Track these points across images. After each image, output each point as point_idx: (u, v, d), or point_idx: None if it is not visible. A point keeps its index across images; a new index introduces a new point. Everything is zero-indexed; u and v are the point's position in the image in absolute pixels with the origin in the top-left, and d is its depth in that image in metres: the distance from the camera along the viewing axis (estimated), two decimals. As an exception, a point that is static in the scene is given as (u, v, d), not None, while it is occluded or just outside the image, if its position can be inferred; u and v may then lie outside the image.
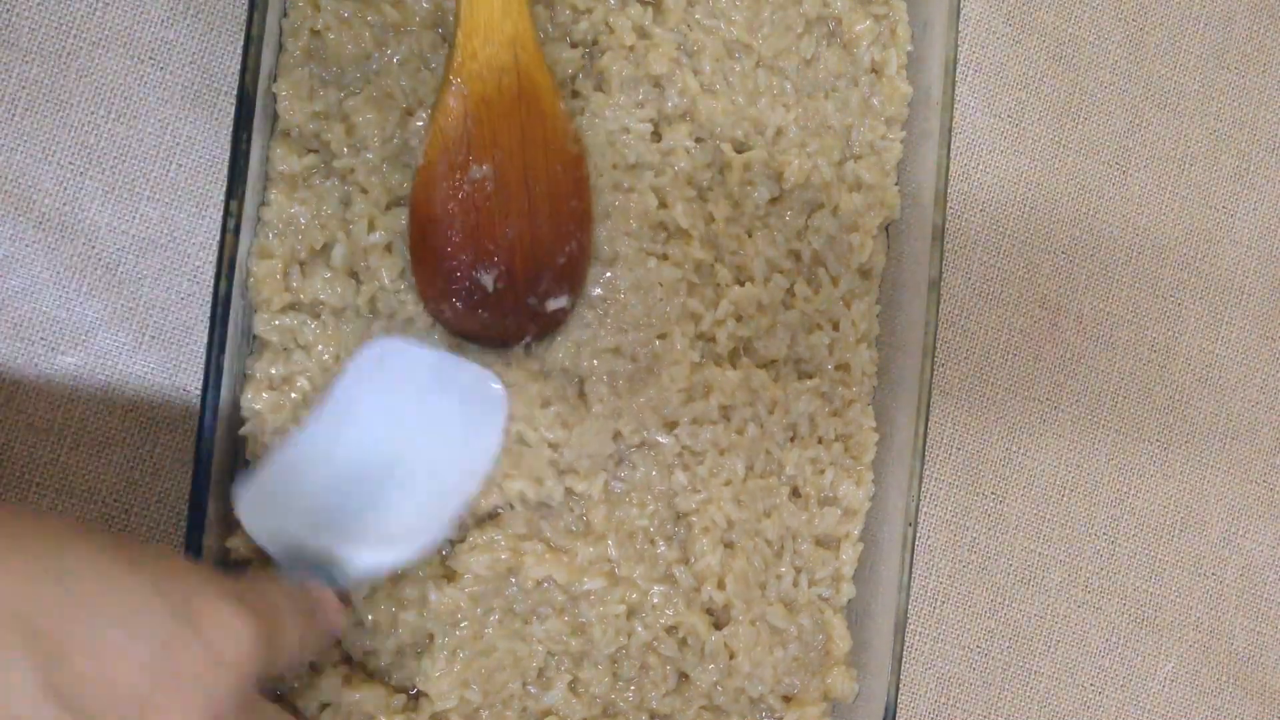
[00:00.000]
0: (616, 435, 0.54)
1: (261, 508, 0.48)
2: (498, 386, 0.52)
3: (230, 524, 0.51)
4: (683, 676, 0.55)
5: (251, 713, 0.42)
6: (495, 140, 0.52)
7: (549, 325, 0.54)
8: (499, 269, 0.52)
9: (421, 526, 0.51)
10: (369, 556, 0.49)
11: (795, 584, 0.56)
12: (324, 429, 0.50)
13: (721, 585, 0.55)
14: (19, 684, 0.35)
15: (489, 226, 0.52)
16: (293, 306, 0.52)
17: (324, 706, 0.51)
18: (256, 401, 0.52)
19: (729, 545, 0.55)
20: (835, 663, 0.56)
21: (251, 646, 0.40)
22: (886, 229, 0.59)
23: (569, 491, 0.54)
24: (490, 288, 0.52)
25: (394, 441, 0.51)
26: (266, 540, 0.48)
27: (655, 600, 0.54)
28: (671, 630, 0.55)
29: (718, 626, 0.55)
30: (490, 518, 0.53)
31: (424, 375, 0.52)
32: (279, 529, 0.48)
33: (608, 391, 0.54)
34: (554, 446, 0.53)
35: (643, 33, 0.56)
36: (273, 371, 0.52)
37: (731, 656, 0.55)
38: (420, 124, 0.53)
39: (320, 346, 0.52)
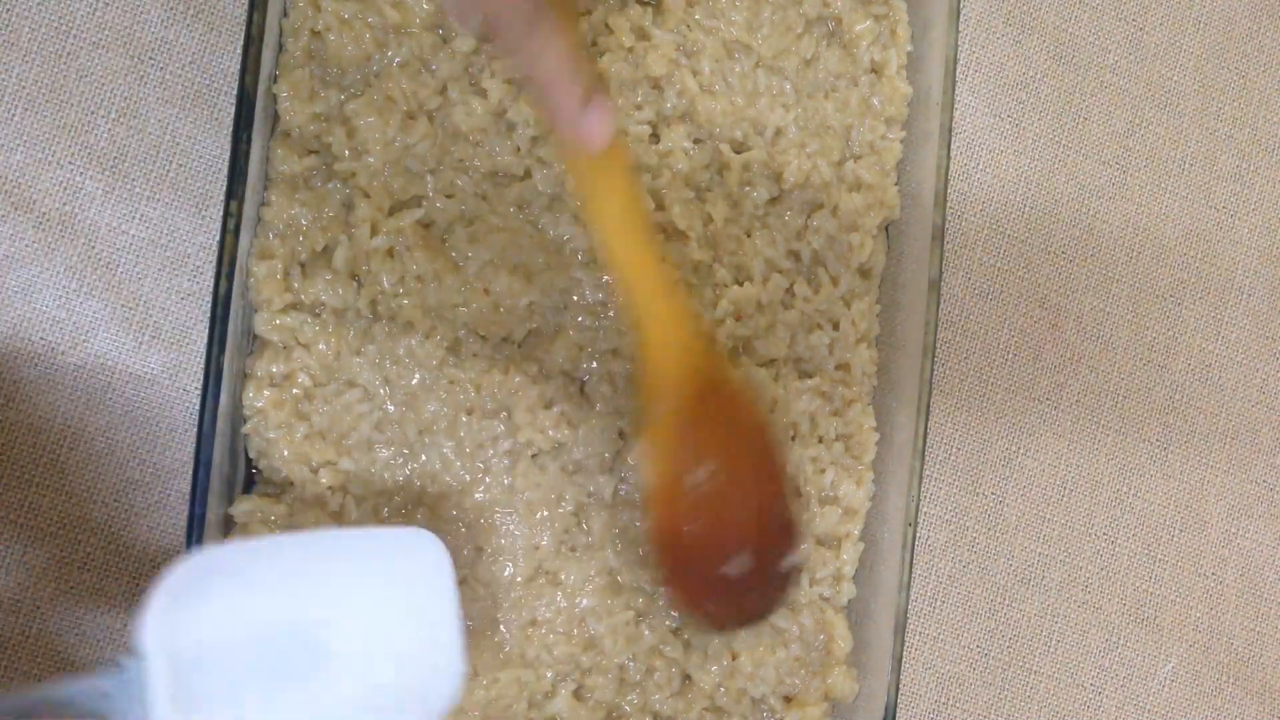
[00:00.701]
0: (621, 434, 0.54)
1: (180, 604, 0.40)
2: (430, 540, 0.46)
3: (229, 525, 0.51)
4: (686, 678, 0.55)
5: None
6: (709, 436, 0.51)
7: (791, 580, 0.54)
8: (745, 551, 0.52)
9: None
10: None
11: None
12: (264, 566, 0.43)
13: None
14: None
15: (726, 518, 0.51)
16: (293, 306, 0.52)
17: None
18: (258, 399, 0.52)
19: (733, 545, 0.55)
20: (836, 663, 0.56)
21: None
22: (886, 229, 0.59)
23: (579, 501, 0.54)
24: (742, 572, 0.52)
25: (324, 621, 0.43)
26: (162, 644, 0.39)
27: (662, 601, 0.54)
28: (677, 631, 0.55)
29: (720, 627, 0.55)
30: None
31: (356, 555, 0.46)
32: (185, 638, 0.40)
33: (610, 391, 0.54)
34: (561, 446, 0.54)
35: (642, 34, 0.56)
36: (273, 369, 0.52)
37: (734, 657, 0.55)
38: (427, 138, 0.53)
39: (321, 344, 0.52)
